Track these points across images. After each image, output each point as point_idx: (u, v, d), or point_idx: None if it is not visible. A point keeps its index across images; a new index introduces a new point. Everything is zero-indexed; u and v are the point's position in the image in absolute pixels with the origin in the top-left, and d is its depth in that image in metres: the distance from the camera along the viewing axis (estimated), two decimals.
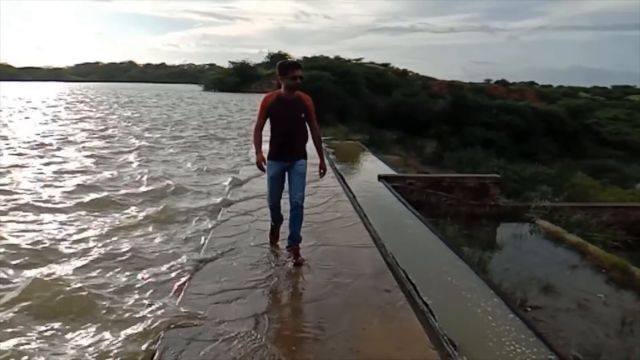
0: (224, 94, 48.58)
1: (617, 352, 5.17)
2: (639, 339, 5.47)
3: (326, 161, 4.85)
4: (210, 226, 5.63)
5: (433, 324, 3.81)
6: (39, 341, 3.24)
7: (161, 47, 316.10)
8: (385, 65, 61.02)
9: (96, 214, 6.17)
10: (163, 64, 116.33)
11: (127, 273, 4.38)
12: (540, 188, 15.24)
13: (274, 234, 4.93)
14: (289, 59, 4.61)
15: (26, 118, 20.08)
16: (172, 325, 3.24)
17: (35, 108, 25.78)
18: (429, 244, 6.92)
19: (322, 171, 4.64)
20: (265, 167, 4.49)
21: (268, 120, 4.48)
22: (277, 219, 4.83)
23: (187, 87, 65.25)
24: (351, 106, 35.76)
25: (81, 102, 32.51)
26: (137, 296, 3.89)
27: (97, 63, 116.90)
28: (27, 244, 4.94)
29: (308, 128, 4.55)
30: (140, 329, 3.28)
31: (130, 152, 11.50)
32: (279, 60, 4.54)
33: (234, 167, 10.13)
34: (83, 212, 6.19)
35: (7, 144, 11.93)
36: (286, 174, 4.50)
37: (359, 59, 55.34)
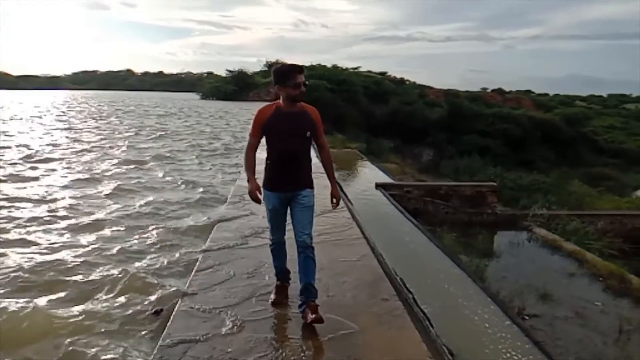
0: (222, 102, 48.59)
1: None
2: (637, 347, 5.47)
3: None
4: None
5: (431, 332, 3.81)
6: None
7: (159, 56, 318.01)
8: (383, 73, 61.18)
9: None
10: (161, 72, 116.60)
11: None
12: (538, 197, 15.29)
13: (281, 295, 3.78)
14: (286, 63, 3.64)
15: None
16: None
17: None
18: (427, 252, 6.93)
19: (334, 200, 3.71)
20: (260, 197, 3.54)
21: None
22: (282, 270, 3.80)
23: (185, 95, 65.28)
24: (348, 114, 35.85)
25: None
26: None
27: (95, 71, 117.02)
28: None
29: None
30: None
31: None
32: (275, 68, 3.58)
33: None
34: None
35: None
36: (288, 206, 3.61)
37: (356, 68, 55.47)
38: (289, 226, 3.66)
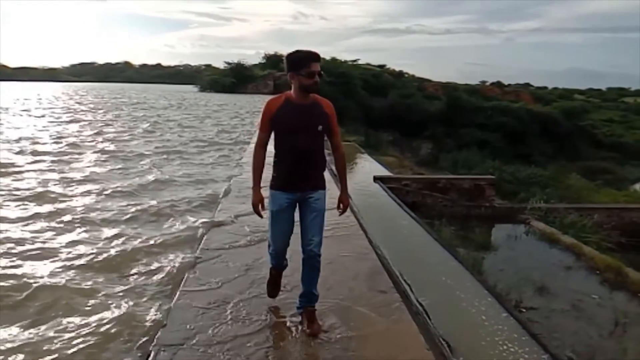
0: (220, 95, 48.36)
1: (611, 353, 5.20)
2: (633, 340, 5.50)
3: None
4: None
5: (428, 324, 3.83)
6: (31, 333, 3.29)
7: (157, 48, 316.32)
8: (381, 66, 61.12)
9: None
10: (159, 64, 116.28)
11: None
12: (536, 190, 15.31)
13: (275, 284, 3.63)
14: (301, 50, 3.16)
15: None
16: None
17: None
18: (424, 245, 6.94)
19: (342, 206, 3.40)
20: (262, 212, 3.31)
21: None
22: (279, 264, 3.55)
23: (183, 87, 65.01)
24: (347, 107, 35.75)
25: None
26: None
27: (92, 63, 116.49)
28: None
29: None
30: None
31: None
32: (289, 53, 3.18)
33: None
34: None
35: None
36: (296, 208, 3.29)
37: (355, 60, 55.41)
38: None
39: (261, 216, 3.32)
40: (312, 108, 3.16)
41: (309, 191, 3.22)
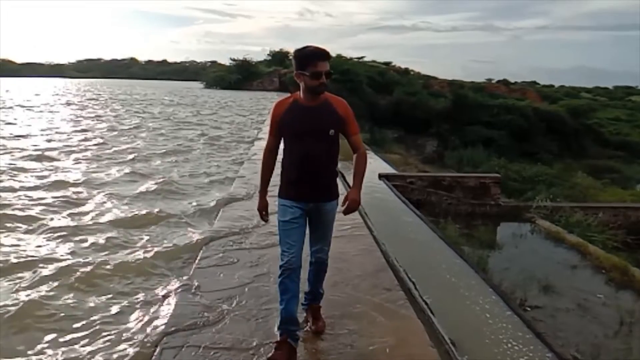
0: (226, 91, 48.33)
1: (616, 352, 5.19)
2: (638, 339, 5.48)
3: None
4: None
5: (432, 322, 3.83)
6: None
7: (163, 44, 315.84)
8: (387, 63, 60.84)
9: None
10: (164, 60, 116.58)
11: None
12: (542, 188, 15.26)
13: (282, 352, 2.86)
14: (310, 46, 2.87)
15: None
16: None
17: None
18: (429, 242, 6.94)
19: (347, 203, 2.98)
20: (267, 217, 3.15)
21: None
22: (289, 318, 2.92)
23: (189, 84, 65.06)
24: (352, 105, 34.96)
25: None
26: None
27: (98, 59, 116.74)
28: None
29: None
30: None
31: None
32: (296, 50, 2.93)
33: None
34: None
35: None
36: (307, 218, 3.01)
37: (361, 58, 55.25)
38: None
39: (265, 220, 3.20)
40: (322, 110, 2.89)
41: (321, 202, 2.98)
